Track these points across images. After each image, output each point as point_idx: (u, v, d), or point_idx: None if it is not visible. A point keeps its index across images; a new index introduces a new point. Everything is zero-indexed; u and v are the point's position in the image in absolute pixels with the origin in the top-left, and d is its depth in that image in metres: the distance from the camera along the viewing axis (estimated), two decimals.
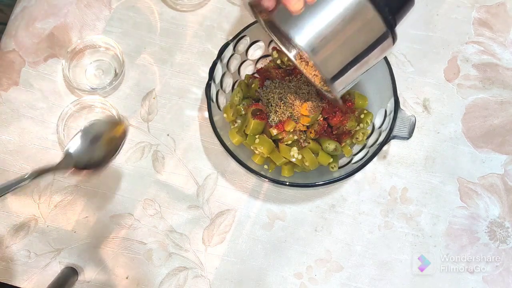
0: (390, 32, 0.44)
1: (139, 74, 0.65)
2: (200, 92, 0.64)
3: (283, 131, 0.57)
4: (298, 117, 0.57)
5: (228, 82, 0.61)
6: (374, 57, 0.47)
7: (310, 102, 0.56)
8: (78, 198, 0.61)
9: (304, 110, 0.56)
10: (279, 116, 0.57)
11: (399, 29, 0.54)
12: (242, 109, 0.60)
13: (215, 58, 0.56)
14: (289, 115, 0.57)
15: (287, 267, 0.59)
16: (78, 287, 0.59)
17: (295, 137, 0.58)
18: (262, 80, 0.62)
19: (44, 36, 0.66)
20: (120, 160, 0.62)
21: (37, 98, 0.64)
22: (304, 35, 0.43)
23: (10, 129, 0.63)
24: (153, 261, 0.59)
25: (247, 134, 0.58)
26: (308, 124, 0.57)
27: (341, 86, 0.47)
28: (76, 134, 0.50)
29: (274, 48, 0.61)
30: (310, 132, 0.57)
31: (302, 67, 0.49)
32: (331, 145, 0.57)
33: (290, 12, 0.43)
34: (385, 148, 0.61)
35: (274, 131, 0.57)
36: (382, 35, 0.44)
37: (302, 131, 0.58)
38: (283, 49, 0.49)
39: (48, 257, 0.59)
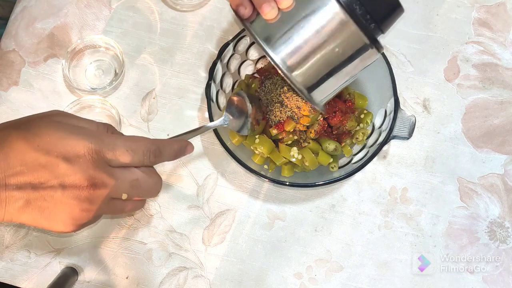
0: (372, 44, 0.43)
1: (139, 74, 0.65)
2: (200, 92, 0.64)
3: (283, 131, 0.57)
4: (298, 117, 0.57)
5: (228, 82, 0.61)
6: (357, 68, 0.45)
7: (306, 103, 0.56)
8: None
9: (304, 110, 0.56)
10: (279, 116, 0.57)
11: (398, 28, 0.54)
12: None
13: (215, 58, 0.56)
14: (289, 115, 0.57)
15: (287, 267, 0.59)
16: (78, 287, 0.59)
17: (295, 137, 0.58)
18: (262, 80, 0.62)
19: (44, 36, 0.66)
20: None
21: (37, 98, 0.64)
22: (277, 50, 0.42)
23: None
24: (153, 261, 0.59)
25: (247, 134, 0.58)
26: (308, 124, 0.57)
27: (320, 97, 0.47)
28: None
29: None
30: (310, 132, 0.58)
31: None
32: (331, 145, 0.57)
33: (265, 21, 0.42)
34: (385, 148, 0.61)
35: (274, 131, 0.57)
36: (363, 48, 0.43)
37: (302, 131, 0.58)
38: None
39: (48, 257, 0.59)
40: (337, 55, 0.43)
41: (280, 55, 0.43)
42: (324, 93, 0.47)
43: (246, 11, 0.42)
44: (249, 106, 0.55)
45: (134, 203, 0.42)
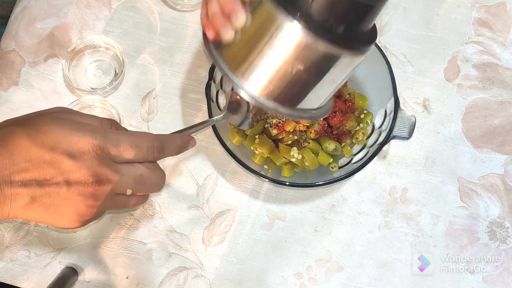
0: (348, 51, 0.37)
1: (139, 74, 0.65)
2: (200, 92, 0.64)
3: (283, 131, 0.57)
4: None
5: (228, 82, 0.61)
6: (342, 74, 0.40)
7: None
8: None
9: None
10: (279, 117, 0.57)
11: (397, 28, 0.53)
12: None
13: None
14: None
15: (287, 267, 0.59)
16: (78, 287, 0.59)
17: (295, 137, 0.58)
18: None
19: (44, 36, 0.66)
20: None
21: (37, 98, 0.64)
22: (240, 74, 0.39)
23: None
24: (153, 261, 0.59)
25: (247, 134, 0.58)
26: (308, 124, 0.57)
27: (309, 106, 0.42)
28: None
29: None
30: (310, 132, 0.57)
31: None
32: (331, 145, 0.57)
33: (227, 45, 0.39)
34: (385, 148, 0.61)
35: (274, 131, 0.57)
36: (334, 58, 0.37)
37: (302, 131, 0.58)
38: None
39: (48, 257, 0.59)
40: (308, 72, 0.38)
41: (246, 81, 0.39)
42: (313, 103, 0.42)
43: (209, 33, 0.41)
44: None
45: (138, 198, 0.42)
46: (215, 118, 0.52)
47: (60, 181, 0.36)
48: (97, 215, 0.39)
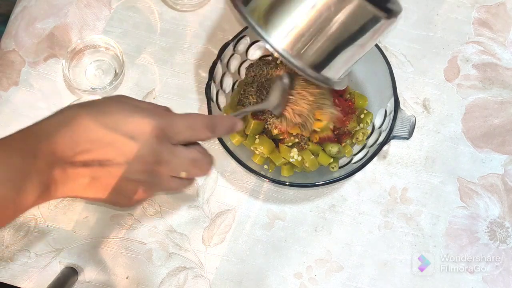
0: (385, 14, 0.38)
1: (139, 74, 0.65)
2: (200, 92, 0.64)
3: (285, 132, 0.57)
4: (309, 125, 0.55)
5: (228, 82, 0.61)
6: (373, 40, 0.40)
7: (324, 109, 0.55)
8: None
9: (318, 114, 0.55)
10: (288, 123, 0.56)
11: (398, 29, 0.52)
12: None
13: (215, 58, 0.56)
14: (300, 123, 0.55)
15: (287, 267, 0.59)
16: (78, 287, 0.59)
17: (296, 140, 0.57)
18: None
19: (44, 36, 0.66)
20: None
21: (37, 98, 0.64)
22: (272, 31, 0.38)
23: (10, 129, 0.62)
24: (153, 261, 0.59)
25: (247, 134, 0.58)
26: (319, 129, 0.56)
27: (332, 75, 0.42)
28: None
29: None
30: (315, 138, 0.57)
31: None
32: (334, 148, 0.57)
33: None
34: (385, 148, 0.61)
35: (275, 131, 0.57)
36: (374, 20, 0.37)
37: (304, 136, 0.57)
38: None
39: (48, 257, 0.59)
40: (343, 31, 0.38)
41: (275, 36, 0.39)
42: (337, 71, 0.42)
43: None
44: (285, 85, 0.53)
45: (188, 182, 0.43)
46: (260, 105, 0.52)
47: (121, 161, 0.36)
48: (151, 196, 0.40)
